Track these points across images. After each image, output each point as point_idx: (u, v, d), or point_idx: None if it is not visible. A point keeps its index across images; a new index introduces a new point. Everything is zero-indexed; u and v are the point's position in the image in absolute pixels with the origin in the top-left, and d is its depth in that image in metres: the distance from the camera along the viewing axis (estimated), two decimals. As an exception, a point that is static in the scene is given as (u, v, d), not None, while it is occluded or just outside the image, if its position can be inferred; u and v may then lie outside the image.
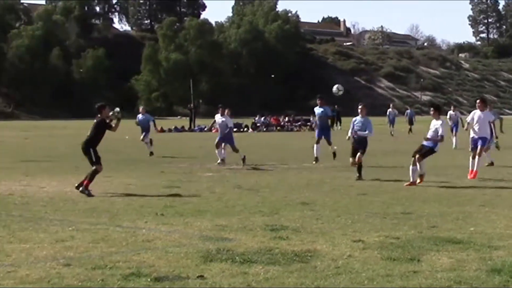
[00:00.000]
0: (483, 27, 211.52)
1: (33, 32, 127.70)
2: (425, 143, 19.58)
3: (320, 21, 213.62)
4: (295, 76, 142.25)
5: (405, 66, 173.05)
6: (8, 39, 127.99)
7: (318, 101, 27.40)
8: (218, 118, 26.80)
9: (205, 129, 48.55)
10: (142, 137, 32.62)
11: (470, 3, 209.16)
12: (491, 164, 25.08)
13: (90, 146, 17.84)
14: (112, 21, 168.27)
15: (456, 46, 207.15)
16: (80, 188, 17.18)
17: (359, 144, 21.07)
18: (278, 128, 67.67)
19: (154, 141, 32.14)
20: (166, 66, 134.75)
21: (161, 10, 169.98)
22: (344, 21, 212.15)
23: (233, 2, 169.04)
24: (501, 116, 49.87)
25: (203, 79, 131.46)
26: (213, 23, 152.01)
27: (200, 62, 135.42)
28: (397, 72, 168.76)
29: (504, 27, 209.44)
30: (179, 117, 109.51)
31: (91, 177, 17.46)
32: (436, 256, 10.04)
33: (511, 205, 15.41)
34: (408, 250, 10.42)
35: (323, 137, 26.93)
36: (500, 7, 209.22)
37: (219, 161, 25.92)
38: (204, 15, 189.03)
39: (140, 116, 33.53)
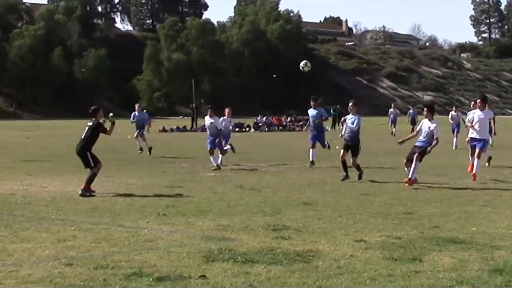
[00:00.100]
0: (485, 27, 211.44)
1: (35, 32, 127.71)
2: (418, 143, 19.36)
3: (322, 21, 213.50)
4: (297, 76, 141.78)
5: (407, 66, 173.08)
6: (10, 39, 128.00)
7: (311, 103, 26.54)
8: (207, 120, 26.14)
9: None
10: (136, 134, 32.64)
11: (472, 3, 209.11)
12: (489, 158, 25.03)
13: (86, 149, 17.82)
14: (114, 21, 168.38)
15: (458, 46, 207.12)
16: (80, 192, 17.18)
17: (352, 143, 20.66)
18: (280, 128, 67.71)
19: (155, 140, 32.19)
20: (168, 66, 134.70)
21: (163, 10, 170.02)
22: (346, 21, 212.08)
23: (235, 2, 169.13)
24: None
25: (205, 79, 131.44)
26: (215, 23, 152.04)
27: (202, 62, 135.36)
28: (399, 72, 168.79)
29: (506, 27, 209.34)
30: (181, 117, 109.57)
31: (90, 180, 17.44)
32: (438, 256, 10.05)
33: (513, 205, 15.43)
34: (410, 250, 10.42)
35: (318, 141, 26.02)
36: (502, 7, 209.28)
37: (214, 167, 24.98)
38: (206, 15, 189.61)
39: (136, 113, 33.38)
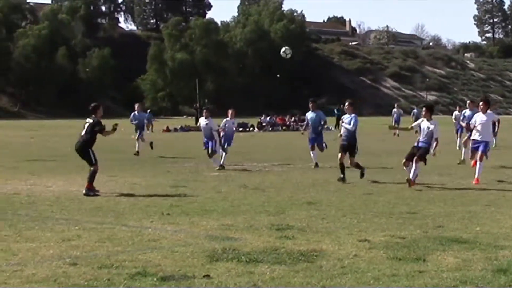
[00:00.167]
0: (489, 27, 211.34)
1: (39, 31, 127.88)
2: (418, 144, 19.14)
3: (325, 20, 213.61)
4: (301, 76, 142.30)
5: (411, 66, 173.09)
6: (14, 39, 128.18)
7: (310, 105, 26.06)
8: (203, 121, 25.94)
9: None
10: (137, 136, 31.99)
11: (475, 3, 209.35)
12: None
13: (88, 147, 17.78)
14: (117, 20, 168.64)
15: (461, 46, 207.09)
16: (84, 192, 17.20)
17: (349, 143, 20.44)
18: (284, 127, 67.72)
19: (159, 140, 32.14)
20: (171, 65, 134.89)
21: (166, 10, 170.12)
22: (350, 20, 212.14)
23: (238, 2, 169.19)
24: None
25: (208, 79, 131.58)
26: (219, 23, 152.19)
27: (205, 62, 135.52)
28: (403, 72, 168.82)
29: (509, 26, 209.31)
30: (184, 116, 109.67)
31: (91, 178, 17.43)
32: (442, 256, 10.05)
33: (517, 205, 15.43)
34: (414, 250, 10.43)
35: (316, 144, 25.73)
36: (506, 7, 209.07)
37: (217, 167, 24.92)
38: (209, 14, 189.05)
39: (136, 113, 32.92)
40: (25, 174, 22.10)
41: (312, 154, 25.71)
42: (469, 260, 9.78)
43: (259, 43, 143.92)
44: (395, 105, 62.50)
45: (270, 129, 66.28)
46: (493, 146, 27.52)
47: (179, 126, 66.57)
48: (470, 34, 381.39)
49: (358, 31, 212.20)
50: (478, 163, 20.22)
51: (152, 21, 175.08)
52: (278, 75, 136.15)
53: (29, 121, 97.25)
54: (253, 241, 11.14)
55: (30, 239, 11.31)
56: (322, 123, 26.03)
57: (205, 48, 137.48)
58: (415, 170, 18.46)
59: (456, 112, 38.13)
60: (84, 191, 17.14)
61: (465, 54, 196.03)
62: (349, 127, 20.39)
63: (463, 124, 25.93)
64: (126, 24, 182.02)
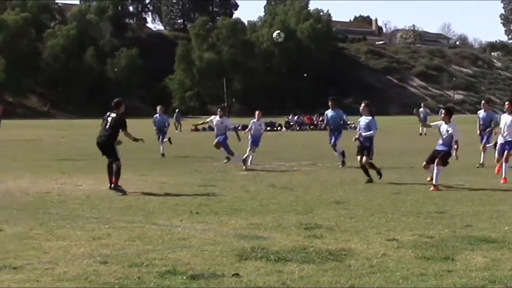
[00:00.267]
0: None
1: (67, 31, 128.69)
2: (438, 148, 19.01)
3: (352, 20, 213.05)
4: (328, 75, 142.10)
5: (437, 65, 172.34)
6: (43, 39, 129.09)
7: (329, 103, 26.06)
8: (217, 119, 25.97)
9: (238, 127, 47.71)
10: (160, 140, 31.17)
11: (501, 2, 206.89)
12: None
13: (111, 141, 17.81)
14: (145, 20, 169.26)
15: (488, 45, 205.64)
16: (112, 186, 17.32)
17: (365, 144, 20.35)
18: (312, 127, 67.66)
19: (187, 140, 32.13)
20: (199, 65, 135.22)
21: (193, 10, 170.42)
22: (376, 20, 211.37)
23: (265, 2, 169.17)
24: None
25: (235, 78, 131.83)
26: (246, 23, 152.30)
27: (232, 62, 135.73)
28: (429, 71, 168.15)
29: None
30: (213, 116, 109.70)
31: (118, 174, 17.49)
32: (471, 255, 10.03)
33: (546, 204, 15.35)
34: (442, 249, 10.42)
35: (333, 139, 25.73)
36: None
37: (225, 160, 25.15)
38: (236, 14, 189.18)
39: (157, 116, 32.08)
40: (55, 173, 22.25)
41: (335, 153, 25.68)
42: (497, 260, 9.76)
43: (286, 43, 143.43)
44: (422, 104, 62.19)
45: (297, 128, 66.29)
46: None
47: (207, 126, 66.58)
48: (496, 33, 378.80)
49: (384, 30, 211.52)
50: (504, 164, 20.06)
51: (179, 21, 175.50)
52: (305, 75, 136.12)
53: (58, 120, 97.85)
54: (282, 240, 11.16)
55: (61, 237, 11.39)
56: (342, 122, 25.99)
57: (232, 48, 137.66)
58: (437, 174, 18.29)
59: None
60: (111, 186, 17.26)
61: (492, 53, 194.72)
62: (369, 133, 20.20)
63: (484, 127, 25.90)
64: (153, 24, 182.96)
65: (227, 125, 25.74)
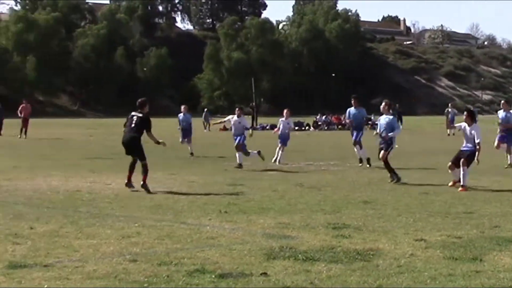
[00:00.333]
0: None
1: (97, 31, 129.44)
2: (463, 148, 18.91)
3: (380, 20, 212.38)
4: (356, 75, 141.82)
5: (466, 65, 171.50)
6: (74, 38, 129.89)
7: (352, 101, 25.99)
8: (235, 119, 25.82)
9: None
10: (185, 140, 31.22)
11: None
12: None
13: (138, 141, 17.92)
14: (174, 20, 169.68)
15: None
16: (141, 184, 17.43)
17: (384, 143, 20.10)
18: (340, 126, 67.53)
19: (216, 139, 32.15)
20: (227, 65, 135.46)
21: (222, 9, 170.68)
22: (404, 20, 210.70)
23: (293, 1, 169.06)
24: None
25: (264, 78, 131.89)
26: (274, 22, 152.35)
27: (261, 61, 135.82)
28: (458, 71, 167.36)
29: None
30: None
31: (146, 172, 17.62)
32: (499, 256, 10.02)
33: None
34: (470, 250, 10.41)
35: (359, 138, 25.63)
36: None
37: (236, 164, 24.53)
38: (265, 14, 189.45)
39: (181, 115, 32.02)
40: (85, 171, 22.41)
41: (355, 150, 25.67)
42: (526, 261, 9.74)
43: (314, 43, 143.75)
44: (449, 104, 61.85)
45: (325, 128, 66.21)
46: None
47: (223, 126, 66.64)
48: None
49: (412, 30, 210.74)
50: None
51: (208, 20, 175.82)
52: (333, 75, 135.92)
53: (88, 119, 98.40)
54: (310, 239, 11.20)
55: (91, 235, 11.50)
56: (364, 119, 25.94)
57: (260, 47, 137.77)
58: (464, 174, 18.20)
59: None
60: (141, 184, 17.39)
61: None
62: (393, 133, 19.98)
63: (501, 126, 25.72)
64: (182, 24, 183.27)
65: (244, 124, 25.61)
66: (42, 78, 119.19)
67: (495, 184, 19.26)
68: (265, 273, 8.98)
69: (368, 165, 25.00)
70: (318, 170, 23.93)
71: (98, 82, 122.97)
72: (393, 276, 8.88)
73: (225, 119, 27.06)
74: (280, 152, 26.31)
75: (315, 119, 69.55)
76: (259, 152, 25.38)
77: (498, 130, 25.99)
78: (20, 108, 46.45)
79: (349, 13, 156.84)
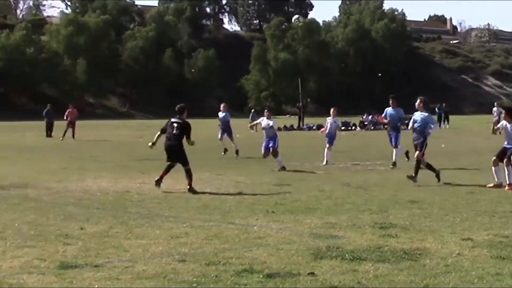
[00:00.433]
0: None
1: (146, 33, 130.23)
2: (506, 145, 18.65)
3: (426, 19, 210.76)
4: (402, 75, 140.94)
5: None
6: (123, 40, 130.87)
7: (390, 101, 25.56)
8: (265, 122, 25.11)
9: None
10: (220, 135, 31.24)
11: None
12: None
13: (181, 146, 18.19)
14: (222, 21, 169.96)
15: None
16: (189, 189, 17.60)
17: (418, 140, 19.73)
18: (386, 126, 67.05)
19: (263, 140, 31.99)
20: (274, 65, 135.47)
21: (269, 10, 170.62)
22: (451, 19, 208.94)
23: (339, 2, 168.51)
24: None
25: (311, 79, 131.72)
26: (321, 23, 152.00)
27: (307, 62, 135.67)
28: (505, 70, 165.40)
29: None
30: (288, 116, 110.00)
31: (190, 175, 17.82)
32: (547, 255, 9.97)
33: None
34: (517, 249, 10.38)
35: (393, 139, 25.34)
36: None
37: (279, 168, 23.89)
38: (311, 14, 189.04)
39: (220, 114, 32.08)
40: (135, 172, 22.62)
41: (394, 152, 25.24)
42: None
43: (360, 43, 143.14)
44: (495, 103, 61.17)
45: (372, 128, 65.91)
46: None
47: (283, 126, 66.82)
48: None
49: (459, 29, 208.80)
50: None
51: (255, 21, 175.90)
52: (379, 74, 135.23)
53: (137, 121, 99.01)
54: (357, 239, 11.23)
55: (140, 236, 11.64)
56: (400, 120, 25.58)
57: (307, 48, 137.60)
58: (509, 174, 18.00)
59: None
60: (189, 190, 17.55)
61: None
62: (432, 131, 19.76)
63: None
64: (230, 25, 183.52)
65: (274, 127, 25.02)
66: (92, 80, 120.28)
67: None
68: (312, 273, 9.02)
69: (406, 159, 25.07)
70: (365, 170, 23.90)
71: (147, 84, 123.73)
72: (440, 276, 8.88)
73: (258, 121, 26.81)
74: (327, 151, 26.26)
75: (361, 119, 69.31)
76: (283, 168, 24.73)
77: None
78: (66, 113, 47.07)
79: (395, 13, 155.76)
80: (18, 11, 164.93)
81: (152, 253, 10.34)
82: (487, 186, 18.44)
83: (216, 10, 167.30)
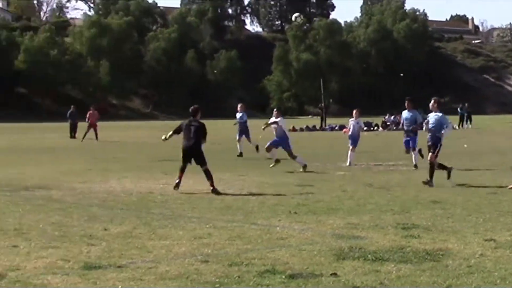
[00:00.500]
0: None
1: (169, 34, 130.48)
2: None
3: (448, 19, 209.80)
4: (424, 75, 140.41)
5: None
6: (146, 42, 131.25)
7: (406, 103, 25.31)
8: (272, 120, 25.06)
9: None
10: (237, 137, 31.11)
11: None
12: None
13: (200, 147, 18.41)
14: (244, 22, 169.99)
15: None
16: (212, 190, 17.68)
17: (432, 142, 19.47)
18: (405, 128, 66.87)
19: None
20: (296, 66, 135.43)
21: (291, 11, 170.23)
22: (472, 18, 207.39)
23: (361, 2, 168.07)
24: None
25: (333, 79, 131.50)
26: (342, 23, 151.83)
27: (329, 62, 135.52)
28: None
29: None
30: (310, 116, 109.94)
31: (210, 175, 17.98)
32: None
33: None
34: (541, 250, 10.35)
35: (411, 142, 25.05)
36: None
37: (273, 164, 24.12)
38: (333, 15, 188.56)
39: (237, 114, 31.75)
40: (158, 173, 22.68)
41: (413, 155, 24.92)
42: None
43: (382, 43, 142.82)
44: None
45: (394, 128, 65.70)
46: None
47: (305, 126, 66.84)
48: None
49: (481, 29, 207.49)
50: None
51: (277, 22, 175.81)
52: (401, 75, 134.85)
53: (160, 121, 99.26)
54: (379, 239, 11.24)
55: (163, 236, 11.70)
56: (417, 123, 25.26)
57: (329, 48, 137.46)
58: None
59: None
60: (213, 191, 17.63)
61: None
62: (447, 132, 19.55)
63: None
64: (251, 26, 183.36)
65: (283, 127, 24.85)
66: (115, 82, 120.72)
67: None
68: (335, 274, 9.05)
69: (421, 157, 24.65)
70: (387, 170, 23.88)
71: (169, 85, 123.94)
72: (462, 276, 8.88)
73: (270, 120, 26.47)
74: (350, 153, 26.21)
75: (383, 119, 69.17)
76: (305, 166, 24.29)
77: None
78: (88, 115, 47.34)
79: (417, 13, 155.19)
80: (41, 13, 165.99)
81: (175, 254, 10.40)
82: (508, 187, 18.25)
83: (238, 11, 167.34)
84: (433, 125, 19.54)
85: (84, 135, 45.55)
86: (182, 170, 18.40)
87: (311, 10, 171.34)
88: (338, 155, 28.81)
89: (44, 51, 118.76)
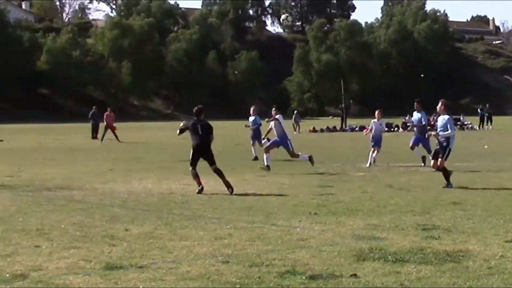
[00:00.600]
0: None
1: (190, 35, 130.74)
2: None
3: (468, 20, 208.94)
4: (445, 76, 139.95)
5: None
6: (167, 43, 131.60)
7: (415, 105, 25.65)
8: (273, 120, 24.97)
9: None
10: (251, 141, 30.32)
11: None
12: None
13: (210, 146, 18.69)
14: (265, 23, 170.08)
15: None
16: (230, 192, 17.73)
17: (441, 146, 19.24)
18: (429, 127, 66.65)
19: (306, 141, 31.97)
20: (317, 67, 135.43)
21: (311, 12, 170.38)
22: (493, 19, 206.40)
23: (382, 3, 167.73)
24: None
25: (353, 80, 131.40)
26: (363, 24, 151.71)
27: (350, 63, 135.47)
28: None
29: None
30: (330, 117, 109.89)
31: (221, 173, 18.17)
32: None
33: None
34: (562, 251, 10.31)
35: (420, 143, 25.49)
36: None
37: (264, 165, 23.89)
38: (353, 16, 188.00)
39: (250, 118, 30.92)
40: (179, 174, 22.67)
41: (417, 151, 25.59)
42: None
43: (403, 44, 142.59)
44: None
45: (414, 129, 65.64)
46: None
47: (325, 127, 66.84)
48: None
49: (502, 29, 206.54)
50: None
51: (297, 23, 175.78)
52: (422, 75, 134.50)
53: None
54: (399, 241, 11.23)
55: (184, 237, 11.74)
56: (423, 124, 25.36)
57: (349, 49, 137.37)
58: None
59: None
60: (230, 191, 17.70)
61: None
62: (446, 133, 19.27)
63: None
64: (272, 27, 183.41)
65: (282, 124, 24.68)
66: (136, 83, 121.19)
67: None
68: (355, 275, 9.05)
69: (422, 164, 25.02)
70: (408, 171, 23.82)
71: (190, 86, 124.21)
72: (483, 278, 8.86)
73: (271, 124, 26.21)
74: (373, 154, 26.12)
75: (404, 120, 68.96)
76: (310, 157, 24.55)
77: None
78: (105, 116, 47.64)
79: (438, 14, 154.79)
80: (64, 14, 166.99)
81: (196, 254, 10.43)
82: None
83: (259, 12, 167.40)
84: (441, 128, 19.31)
85: (102, 137, 45.79)
86: (196, 175, 18.37)
87: (332, 11, 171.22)
88: (358, 156, 28.77)
89: (67, 52, 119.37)
